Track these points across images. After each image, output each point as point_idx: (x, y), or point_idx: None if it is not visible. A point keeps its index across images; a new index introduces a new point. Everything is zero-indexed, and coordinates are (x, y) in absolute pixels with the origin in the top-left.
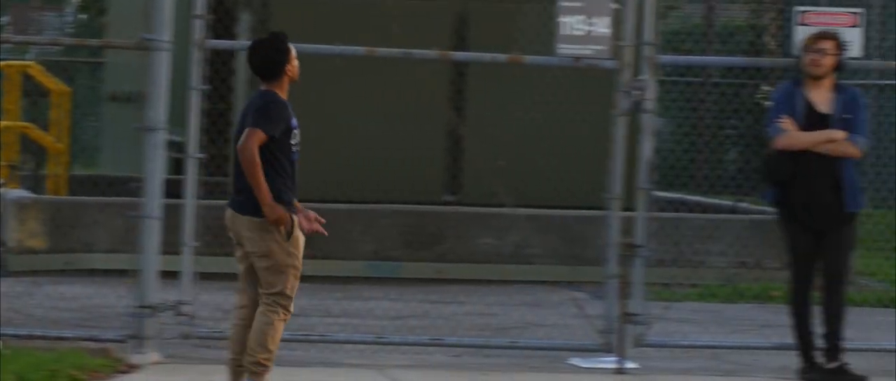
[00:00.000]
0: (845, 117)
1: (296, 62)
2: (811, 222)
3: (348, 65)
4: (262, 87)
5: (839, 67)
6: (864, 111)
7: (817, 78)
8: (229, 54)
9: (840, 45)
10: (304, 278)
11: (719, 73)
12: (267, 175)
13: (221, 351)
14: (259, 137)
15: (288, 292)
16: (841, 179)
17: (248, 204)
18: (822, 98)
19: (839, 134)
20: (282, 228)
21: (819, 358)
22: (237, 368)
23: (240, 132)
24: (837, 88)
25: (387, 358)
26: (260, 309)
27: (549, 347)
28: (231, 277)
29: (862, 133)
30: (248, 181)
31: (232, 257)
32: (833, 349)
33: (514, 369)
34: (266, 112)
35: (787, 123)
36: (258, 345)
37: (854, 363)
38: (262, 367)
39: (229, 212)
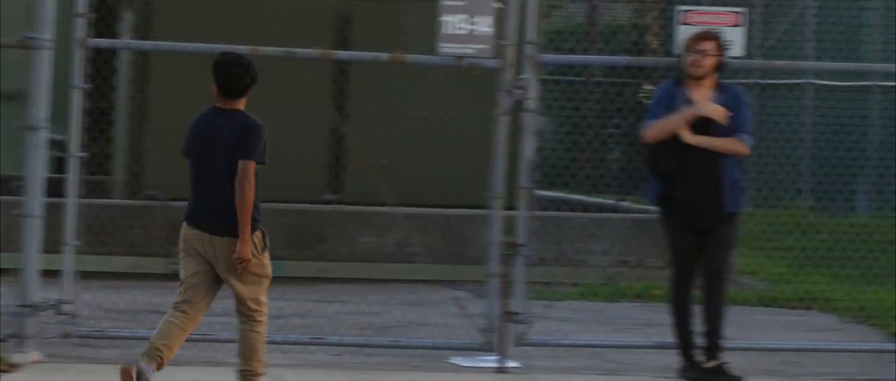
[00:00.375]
0: (727, 116)
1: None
2: (692, 220)
3: None
4: (221, 103)
5: (720, 67)
6: (746, 109)
7: (698, 79)
8: (111, 53)
9: (721, 46)
10: None
11: (602, 72)
12: None
13: (102, 350)
14: (254, 168)
15: (263, 298)
16: (721, 177)
17: (227, 225)
18: (702, 98)
19: (712, 107)
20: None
21: (699, 357)
22: (155, 353)
23: (205, 148)
24: (719, 88)
25: (269, 357)
26: (244, 325)
27: (431, 346)
28: (112, 275)
29: (746, 131)
30: (238, 212)
31: (113, 256)
32: (712, 348)
33: (395, 368)
34: (257, 140)
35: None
36: (252, 357)
37: (734, 361)
38: (257, 375)
39: (197, 233)
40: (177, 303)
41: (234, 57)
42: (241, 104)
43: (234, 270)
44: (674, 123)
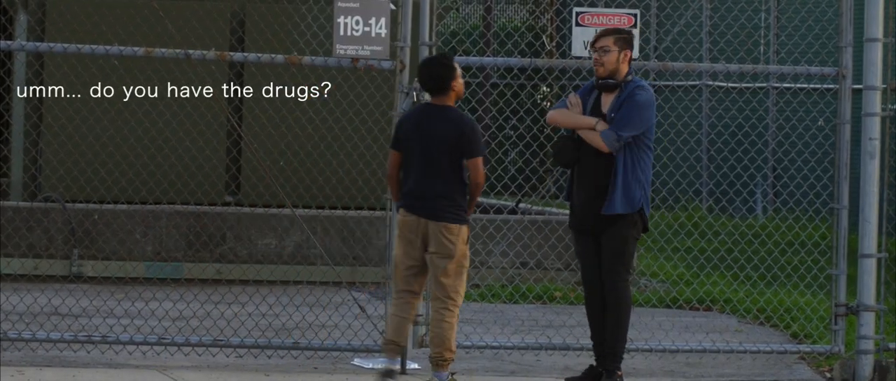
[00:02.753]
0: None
1: (461, 80)
2: (583, 225)
3: (126, 65)
4: (432, 99)
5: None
6: (631, 107)
7: (604, 78)
8: (6, 55)
9: (622, 38)
10: (86, 280)
11: (498, 74)
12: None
13: (3, 352)
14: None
15: (461, 289)
16: (609, 181)
17: (445, 211)
18: (609, 98)
19: (596, 122)
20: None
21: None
22: (397, 347)
23: (419, 141)
24: (622, 87)
25: (170, 359)
26: (437, 313)
27: (332, 347)
28: (10, 278)
29: (618, 127)
30: (471, 199)
31: (12, 258)
32: (610, 356)
33: (296, 369)
34: (480, 138)
35: (572, 98)
36: (442, 344)
37: (635, 363)
38: (448, 361)
39: (413, 218)
40: (399, 291)
41: (430, 57)
42: (446, 100)
43: (443, 251)
44: (571, 122)
